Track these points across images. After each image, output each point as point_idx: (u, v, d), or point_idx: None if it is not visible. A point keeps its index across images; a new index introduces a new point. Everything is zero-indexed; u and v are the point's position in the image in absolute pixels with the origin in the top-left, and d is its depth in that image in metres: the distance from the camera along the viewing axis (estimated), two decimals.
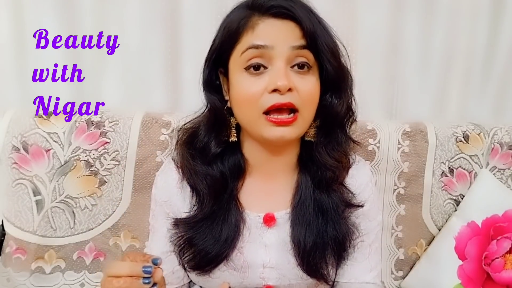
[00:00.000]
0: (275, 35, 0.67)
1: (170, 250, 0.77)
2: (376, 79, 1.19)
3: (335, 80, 0.72)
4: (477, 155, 1.10)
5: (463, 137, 1.10)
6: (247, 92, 0.68)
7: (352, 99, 0.77)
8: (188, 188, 0.77)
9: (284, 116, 0.67)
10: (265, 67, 0.68)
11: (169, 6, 1.10)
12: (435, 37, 1.19)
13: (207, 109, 0.77)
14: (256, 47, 0.67)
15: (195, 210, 0.75)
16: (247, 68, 0.68)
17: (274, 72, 0.67)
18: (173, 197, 0.77)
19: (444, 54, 1.20)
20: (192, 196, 0.76)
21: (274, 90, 0.66)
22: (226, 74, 0.73)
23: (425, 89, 1.22)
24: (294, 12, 0.68)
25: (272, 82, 0.66)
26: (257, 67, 0.68)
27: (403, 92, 1.22)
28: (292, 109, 0.68)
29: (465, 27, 1.18)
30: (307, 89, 0.69)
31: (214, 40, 0.74)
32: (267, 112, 0.67)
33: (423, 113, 1.21)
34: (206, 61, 0.75)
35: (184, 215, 0.76)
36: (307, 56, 0.69)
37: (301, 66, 0.69)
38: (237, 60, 0.69)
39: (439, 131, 1.10)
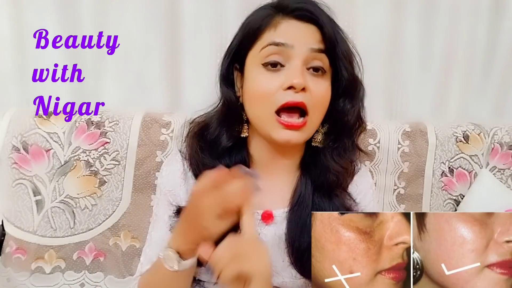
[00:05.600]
0: (296, 35, 0.69)
1: None
2: (376, 79, 1.19)
3: (349, 86, 0.73)
4: (477, 155, 1.10)
5: (463, 137, 1.10)
6: (262, 87, 0.69)
7: (363, 110, 0.78)
8: (191, 180, 0.77)
9: (294, 120, 0.69)
10: (282, 65, 0.69)
11: (169, 6, 1.10)
12: (435, 37, 1.19)
13: (220, 103, 0.78)
14: (277, 44, 0.68)
15: None
16: (264, 64, 0.69)
17: (290, 70, 0.68)
18: (177, 187, 0.78)
19: (444, 54, 1.20)
20: None
21: (289, 88, 0.67)
22: (241, 70, 0.75)
23: (425, 89, 1.22)
24: (318, 17, 0.69)
25: (288, 79, 0.67)
26: (274, 64, 0.69)
27: (403, 92, 1.22)
28: (302, 111, 0.69)
29: (465, 27, 1.18)
30: (320, 91, 0.70)
31: (235, 37, 0.76)
32: (278, 112, 0.69)
33: (423, 113, 1.21)
34: (225, 56, 0.76)
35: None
36: (324, 61, 0.70)
37: (316, 69, 0.70)
38: (256, 56, 0.71)
39: (439, 131, 1.10)
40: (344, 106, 0.74)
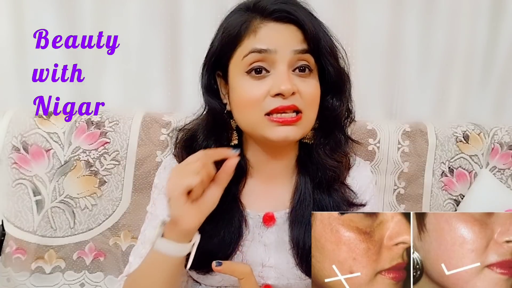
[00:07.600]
0: (277, 39, 0.67)
1: None
2: (376, 79, 1.19)
3: (336, 82, 0.72)
4: (477, 155, 1.10)
5: (463, 137, 1.10)
6: (249, 95, 0.68)
7: (351, 101, 0.77)
8: None
9: (288, 115, 0.67)
10: (267, 71, 0.67)
11: (169, 6, 1.11)
12: (435, 37, 1.19)
13: (205, 112, 0.77)
14: (259, 51, 0.66)
15: None
16: (248, 72, 0.68)
17: (277, 76, 0.67)
18: None
19: (444, 54, 1.20)
20: None
21: (278, 94, 0.66)
22: (224, 77, 0.73)
23: (425, 89, 1.22)
24: (297, 16, 0.68)
25: (276, 86, 0.66)
26: (259, 71, 0.67)
27: (403, 92, 1.22)
28: (295, 110, 0.68)
29: (465, 27, 1.18)
30: (309, 91, 0.69)
31: (213, 43, 0.74)
32: (269, 113, 0.67)
33: (423, 113, 1.22)
34: (204, 65, 0.74)
35: None
36: (309, 60, 0.69)
37: (302, 69, 0.69)
38: (238, 64, 0.69)
39: (439, 131, 1.10)
40: (333, 103, 0.73)
